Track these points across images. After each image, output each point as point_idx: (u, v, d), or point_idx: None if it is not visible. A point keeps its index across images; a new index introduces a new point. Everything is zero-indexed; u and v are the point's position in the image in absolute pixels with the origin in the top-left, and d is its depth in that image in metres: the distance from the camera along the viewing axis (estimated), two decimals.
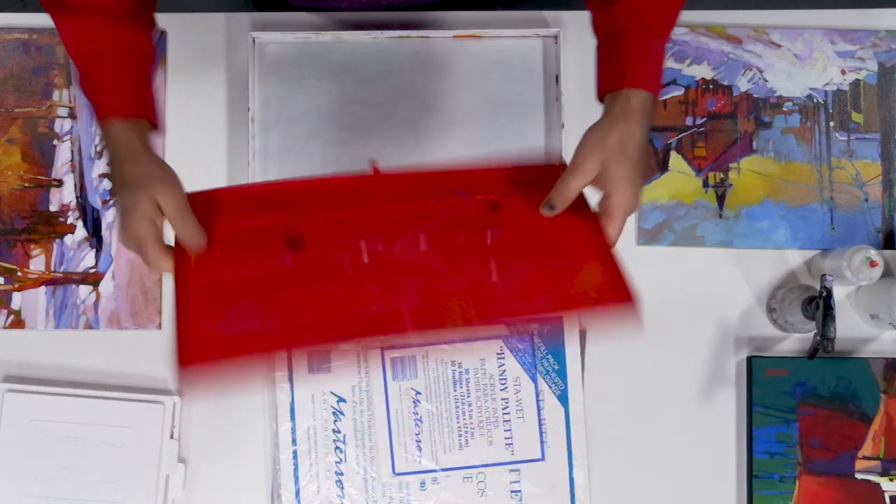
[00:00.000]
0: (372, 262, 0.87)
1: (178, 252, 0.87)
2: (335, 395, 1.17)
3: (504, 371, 1.18)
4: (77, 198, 1.19)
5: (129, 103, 0.92)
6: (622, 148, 0.87)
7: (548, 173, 0.91)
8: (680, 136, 1.21)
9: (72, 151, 1.19)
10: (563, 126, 1.17)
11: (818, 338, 1.05)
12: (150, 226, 0.86)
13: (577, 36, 1.21)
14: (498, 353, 1.17)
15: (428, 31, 1.20)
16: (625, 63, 0.90)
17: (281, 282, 0.86)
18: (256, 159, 1.18)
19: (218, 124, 1.20)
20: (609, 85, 0.91)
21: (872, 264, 1.10)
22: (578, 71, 1.20)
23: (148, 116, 0.93)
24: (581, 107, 1.20)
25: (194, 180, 1.20)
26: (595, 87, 0.93)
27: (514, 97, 1.20)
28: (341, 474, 1.16)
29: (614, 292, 0.86)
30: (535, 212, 0.89)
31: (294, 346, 0.90)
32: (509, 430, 1.17)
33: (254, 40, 1.19)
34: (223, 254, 0.87)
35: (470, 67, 1.20)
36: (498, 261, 0.87)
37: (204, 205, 0.89)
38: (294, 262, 0.87)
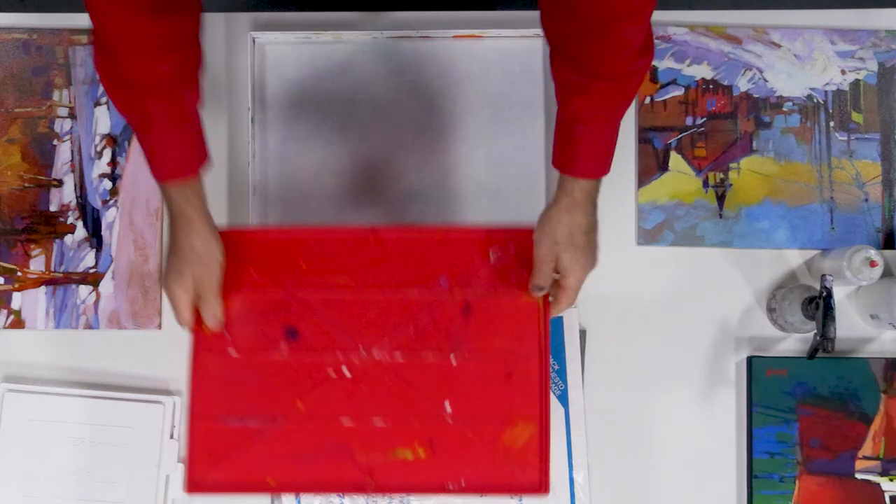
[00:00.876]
0: (352, 374, 1.05)
1: (197, 327, 1.04)
2: None
3: None
4: (77, 198, 1.19)
5: (182, 167, 0.98)
6: (570, 239, 1.00)
7: (524, 239, 1.05)
8: (680, 136, 1.21)
9: (72, 151, 1.19)
10: None
11: (818, 338, 1.05)
12: (186, 295, 1.00)
13: None
14: None
15: (428, 31, 1.20)
16: (577, 153, 0.97)
17: (277, 375, 1.04)
18: (256, 159, 1.18)
19: (218, 124, 1.20)
20: (562, 165, 0.99)
21: (872, 264, 1.10)
22: None
23: (199, 169, 0.99)
24: None
25: None
26: (552, 153, 1.00)
27: (514, 97, 1.20)
28: None
29: (526, 468, 1.04)
30: (496, 325, 1.06)
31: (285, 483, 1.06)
32: None
33: (254, 40, 1.19)
34: (233, 336, 1.05)
35: (470, 67, 1.20)
36: (453, 394, 1.05)
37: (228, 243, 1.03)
38: (289, 353, 1.05)
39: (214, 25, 1.21)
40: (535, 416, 1.04)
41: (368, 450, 1.04)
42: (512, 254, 1.07)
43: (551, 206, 1.00)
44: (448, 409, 1.05)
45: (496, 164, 1.19)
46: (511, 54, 1.21)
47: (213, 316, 1.02)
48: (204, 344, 1.05)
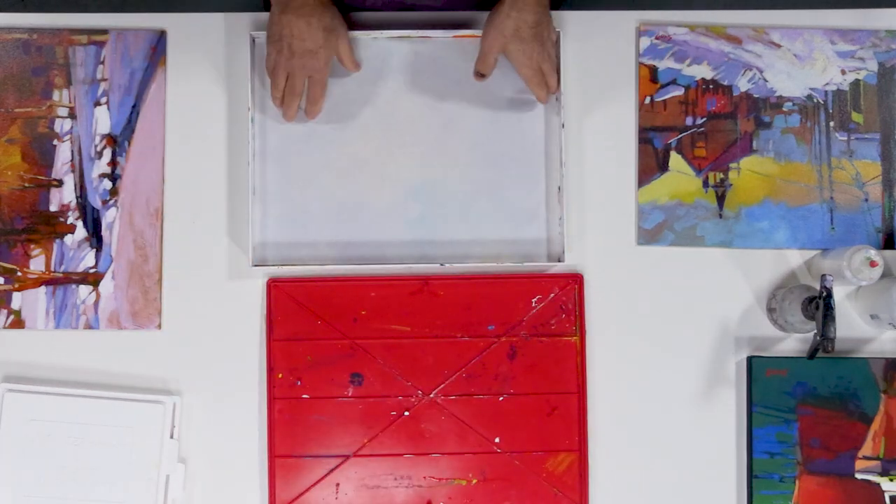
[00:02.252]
0: (412, 414, 1.15)
1: (270, 378, 1.15)
2: None
3: None
4: (77, 198, 1.19)
5: None
6: (517, 33, 1.11)
7: (563, 286, 1.18)
8: (680, 136, 1.21)
9: (72, 151, 1.19)
10: (563, 126, 1.17)
11: (818, 338, 1.05)
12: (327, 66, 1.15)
13: (577, 36, 1.21)
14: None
15: (428, 32, 1.20)
16: None
17: (345, 416, 1.15)
18: (256, 159, 1.18)
19: (218, 124, 1.20)
20: None
21: (872, 264, 1.10)
22: (578, 71, 1.20)
23: None
24: (581, 107, 1.21)
25: (194, 179, 1.20)
26: None
27: (513, 96, 1.20)
28: None
29: (566, 489, 1.15)
30: (539, 366, 1.16)
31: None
32: None
33: (253, 40, 1.19)
34: (304, 381, 1.15)
35: (470, 67, 1.20)
36: (502, 429, 1.15)
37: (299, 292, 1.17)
38: (355, 396, 1.15)
39: (214, 25, 1.21)
40: (575, 447, 1.16)
41: (428, 479, 1.15)
42: (552, 300, 1.17)
43: (499, 4, 1.12)
44: (497, 442, 1.15)
45: (496, 163, 1.19)
46: None
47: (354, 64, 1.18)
48: (280, 388, 1.15)
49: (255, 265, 1.16)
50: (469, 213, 1.19)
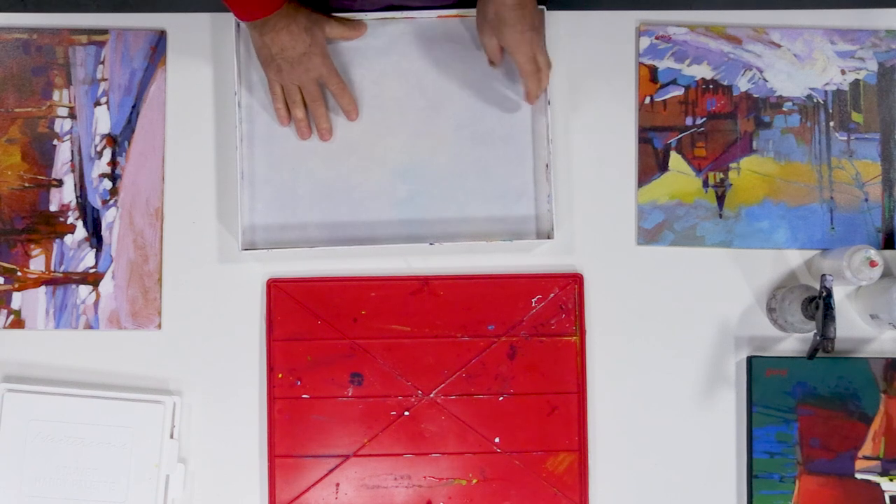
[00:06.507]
0: (412, 414, 1.15)
1: (270, 378, 1.15)
2: None
3: None
4: (77, 198, 1.19)
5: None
6: (499, 16, 1.09)
7: (564, 286, 1.18)
8: (680, 136, 1.21)
9: (72, 151, 1.19)
10: (549, 102, 1.17)
11: (818, 338, 1.05)
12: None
13: (576, 36, 1.21)
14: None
15: (412, 12, 1.20)
16: None
17: (345, 416, 1.15)
18: (244, 144, 1.18)
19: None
20: None
21: (872, 264, 1.10)
22: (578, 71, 1.20)
23: None
24: (581, 107, 1.21)
25: (189, 181, 1.20)
26: None
27: (498, 74, 1.20)
28: None
29: (566, 489, 1.15)
30: (539, 366, 1.16)
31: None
32: None
33: (238, 24, 1.18)
34: (304, 381, 1.15)
35: (455, 47, 1.20)
36: (502, 429, 1.15)
37: (296, 293, 1.17)
38: (355, 396, 1.15)
39: (215, 25, 1.21)
40: (575, 447, 1.16)
41: (428, 479, 1.15)
42: (552, 300, 1.17)
43: None
44: (497, 442, 1.15)
45: (483, 142, 1.19)
46: None
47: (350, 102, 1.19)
48: (280, 388, 1.15)
49: (245, 249, 1.15)
50: (457, 193, 1.18)
